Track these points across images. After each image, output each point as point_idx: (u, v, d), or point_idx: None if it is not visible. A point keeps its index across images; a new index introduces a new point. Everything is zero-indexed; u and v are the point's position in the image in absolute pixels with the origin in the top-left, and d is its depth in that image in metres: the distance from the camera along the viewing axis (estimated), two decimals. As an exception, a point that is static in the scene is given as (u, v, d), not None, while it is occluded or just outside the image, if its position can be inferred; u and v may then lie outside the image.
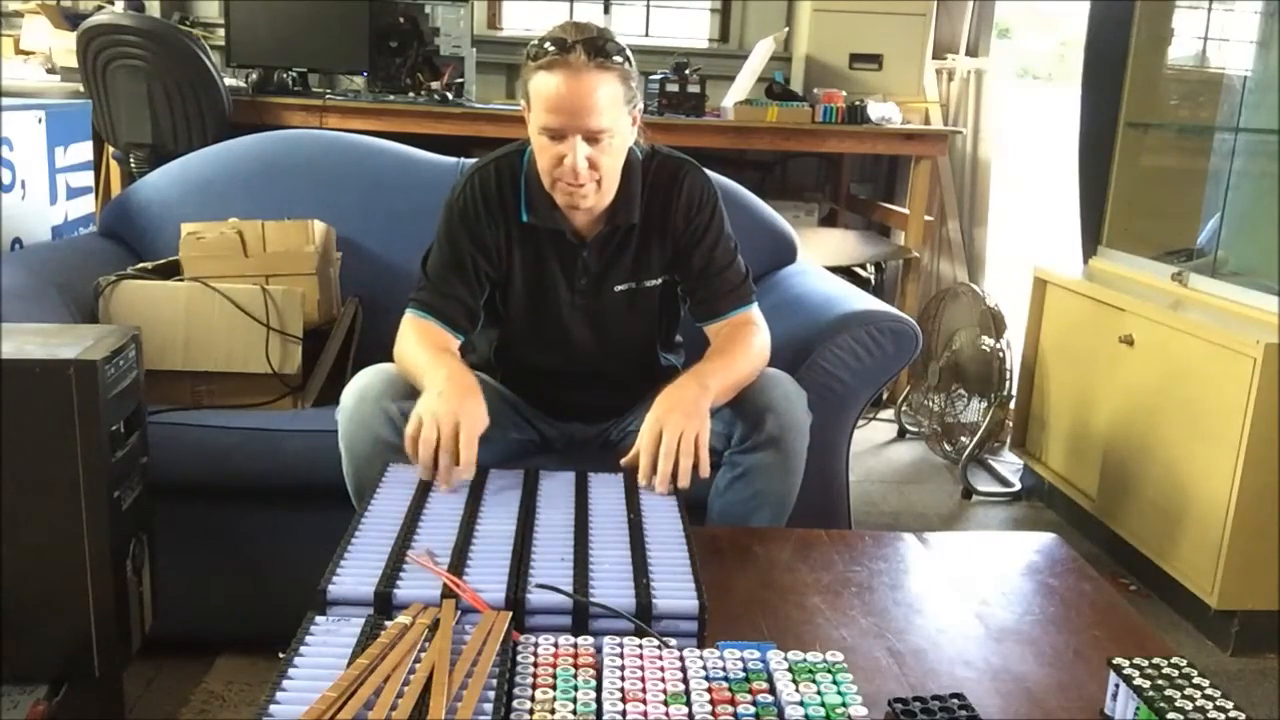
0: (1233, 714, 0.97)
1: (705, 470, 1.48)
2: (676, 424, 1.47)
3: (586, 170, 1.58)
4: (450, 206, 1.72)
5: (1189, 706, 0.97)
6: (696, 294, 1.76)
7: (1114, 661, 1.04)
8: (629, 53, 1.60)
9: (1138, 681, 1.01)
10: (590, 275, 1.75)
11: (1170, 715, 0.96)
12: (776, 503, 1.65)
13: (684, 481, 1.45)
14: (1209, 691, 1.00)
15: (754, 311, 1.76)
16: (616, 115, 1.58)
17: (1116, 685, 1.03)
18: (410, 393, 1.58)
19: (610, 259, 1.75)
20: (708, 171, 1.79)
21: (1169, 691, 0.99)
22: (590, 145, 1.57)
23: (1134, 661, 1.04)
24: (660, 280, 1.78)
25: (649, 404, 1.56)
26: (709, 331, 1.76)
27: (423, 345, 1.63)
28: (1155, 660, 1.05)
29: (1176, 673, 1.03)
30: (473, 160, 2.42)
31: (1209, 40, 2.94)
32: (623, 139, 1.62)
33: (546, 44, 1.56)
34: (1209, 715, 0.97)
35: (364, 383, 1.64)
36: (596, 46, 1.54)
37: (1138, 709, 1.00)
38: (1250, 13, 2.85)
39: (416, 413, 1.46)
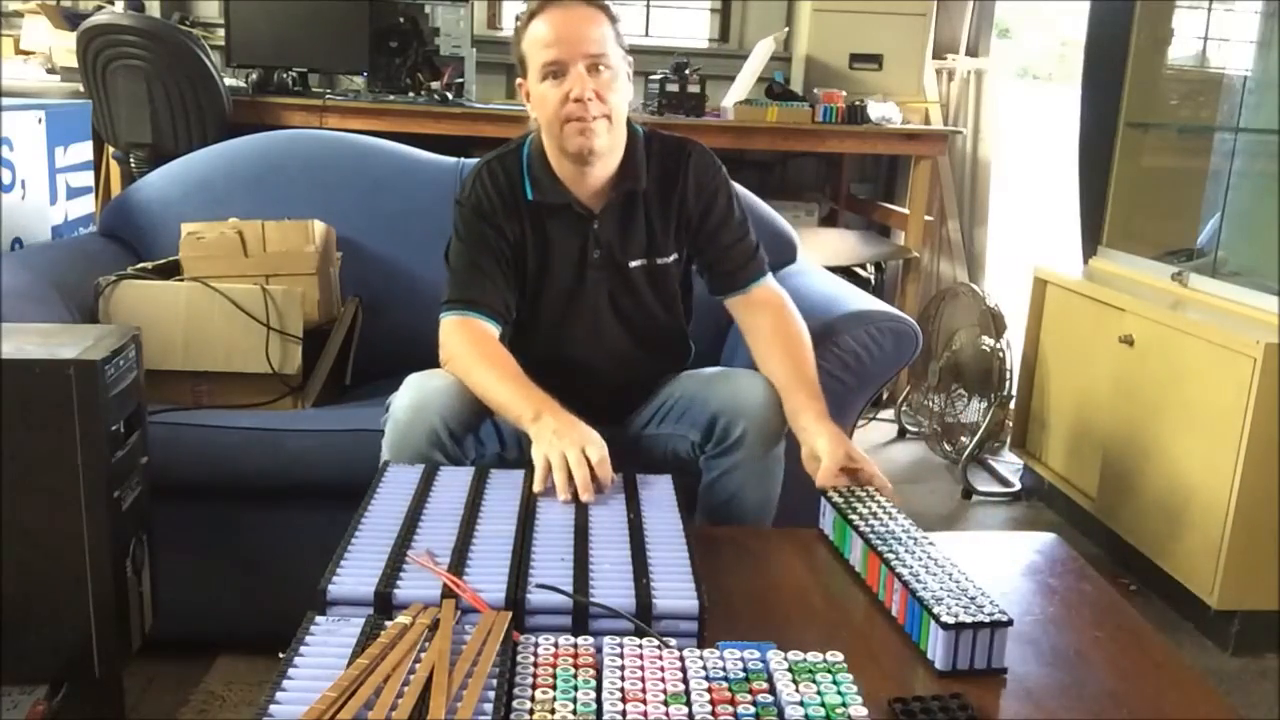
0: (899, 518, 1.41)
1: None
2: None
3: (595, 100, 1.59)
4: (463, 203, 1.72)
5: (865, 511, 1.40)
6: (715, 267, 1.77)
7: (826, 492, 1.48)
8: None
9: (835, 500, 1.45)
10: (603, 247, 1.73)
11: (851, 516, 1.38)
12: (757, 505, 1.66)
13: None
14: (881, 501, 1.44)
15: (772, 282, 1.78)
16: (612, 50, 1.62)
17: (824, 507, 1.47)
18: (464, 413, 1.58)
19: (622, 231, 1.73)
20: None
21: (854, 503, 1.43)
22: (592, 76, 1.60)
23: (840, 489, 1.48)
24: (674, 257, 1.77)
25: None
26: (731, 305, 1.78)
27: (489, 366, 1.59)
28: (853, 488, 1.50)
29: (866, 494, 1.47)
30: (473, 160, 2.43)
31: (1209, 40, 2.94)
32: (623, 84, 1.65)
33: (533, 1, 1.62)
34: (879, 516, 1.39)
35: (420, 398, 1.57)
36: None
37: (834, 519, 1.44)
38: (1250, 13, 2.85)
39: (543, 454, 1.43)
